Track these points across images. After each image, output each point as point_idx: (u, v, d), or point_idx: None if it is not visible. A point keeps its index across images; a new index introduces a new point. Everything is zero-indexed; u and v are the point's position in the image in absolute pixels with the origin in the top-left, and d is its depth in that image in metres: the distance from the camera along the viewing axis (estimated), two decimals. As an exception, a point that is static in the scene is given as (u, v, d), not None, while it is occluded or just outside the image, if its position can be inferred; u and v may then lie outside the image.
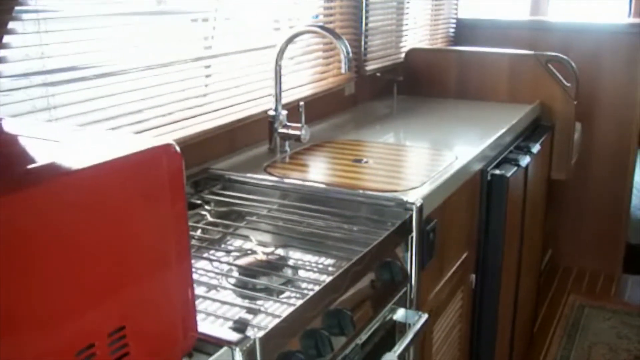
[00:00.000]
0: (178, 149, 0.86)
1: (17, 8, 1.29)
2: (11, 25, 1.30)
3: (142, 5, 1.67)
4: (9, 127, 0.99)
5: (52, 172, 0.74)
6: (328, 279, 1.21)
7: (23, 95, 1.36)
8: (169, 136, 1.69)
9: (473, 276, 2.11)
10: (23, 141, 0.89)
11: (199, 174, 1.74)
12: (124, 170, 0.80)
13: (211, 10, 1.85)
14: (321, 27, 1.97)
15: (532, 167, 2.37)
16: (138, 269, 0.82)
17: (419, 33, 3.23)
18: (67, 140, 0.87)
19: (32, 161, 0.79)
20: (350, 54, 1.82)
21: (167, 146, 0.85)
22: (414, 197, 1.55)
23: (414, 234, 1.53)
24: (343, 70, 1.83)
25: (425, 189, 1.63)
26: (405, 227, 1.52)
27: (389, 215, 1.54)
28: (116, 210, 0.78)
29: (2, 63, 1.30)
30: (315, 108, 2.30)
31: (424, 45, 3.29)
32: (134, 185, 0.81)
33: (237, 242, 1.49)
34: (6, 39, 1.30)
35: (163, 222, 0.86)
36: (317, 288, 1.16)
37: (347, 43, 1.82)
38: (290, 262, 1.38)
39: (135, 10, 1.63)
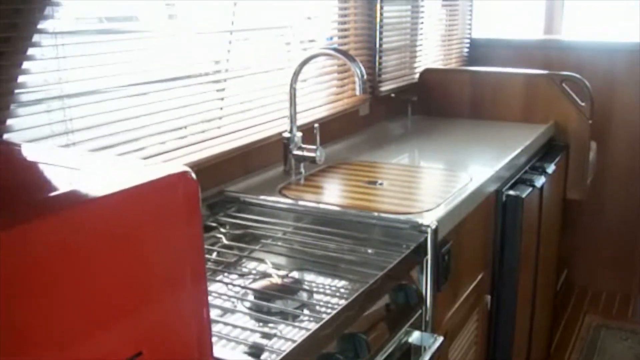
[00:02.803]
0: (194, 175, 0.87)
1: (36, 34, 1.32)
2: (30, 51, 1.32)
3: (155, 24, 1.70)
4: (28, 153, 1.01)
5: (72, 200, 0.75)
6: (343, 302, 1.21)
7: (42, 120, 1.38)
8: (185, 159, 1.71)
9: (488, 297, 2.10)
10: (42, 168, 0.91)
11: (215, 196, 1.75)
12: (141, 198, 0.81)
13: (226, 29, 1.87)
14: (335, 49, 1.99)
15: (547, 188, 2.37)
16: (155, 295, 0.83)
17: (432, 53, 3.24)
18: (86, 167, 0.89)
19: (52, 189, 0.80)
20: (365, 76, 1.83)
21: (184, 173, 0.86)
22: (429, 220, 1.55)
23: (429, 256, 1.53)
24: (358, 93, 1.84)
25: (440, 211, 1.63)
26: (420, 250, 1.52)
27: (404, 238, 1.54)
28: (133, 236, 0.79)
29: (21, 88, 1.32)
30: (330, 128, 2.31)
31: (438, 65, 3.30)
32: (151, 211, 0.82)
33: (252, 265, 1.49)
34: (26, 64, 1.32)
35: (180, 247, 0.87)
36: (332, 312, 1.16)
37: (361, 65, 1.83)
38: (305, 286, 1.39)
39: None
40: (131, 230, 0.79)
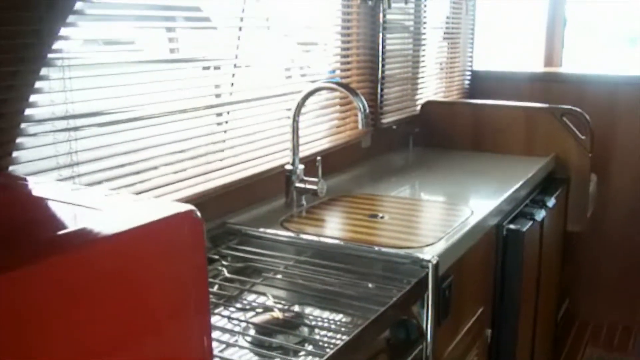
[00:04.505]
0: (199, 213, 0.89)
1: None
2: (38, 84, 1.34)
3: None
4: (32, 188, 1.02)
5: (79, 240, 0.77)
6: (344, 338, 1.21)
7: (47, 152, 1.40)
8: (188, 191, 1.72)
9: (489, 331, 2.10)
10: (47, 204, 0.92)
11: (217, 228, 1.76)
12: (147, 236, 0.83)
13: (228, 59, 1.89)
14: (338, 83, 2.01)
15: (548, 221, 2.38)
16: (158, 329, 0.84)
17: (434, 85, 3.27)
18: (91, 205, 0.90)
19: (58, 227, 0.81)
20: (367, 110, 1.85)
21: (189, 212, 0.88)
22: (430, 255, 1.56)
23: (429, 291, 1.54)
24: (360, 127, 1.85)
25: (441, 246, 1.64)
26: (421, 285, 1.52)
27: (405, 273, 1.54)
28: (139, 273, 0.81)
29: (28, 121, 1.34)
30: (332, 160, 2.32)
31: (439, 97, 3.32)
32: (157, 249, 0.84)
33: (254, 299, 1.50)
34: (33, 97, 1.34)
35: (184, 283, 0.88)
36: (332, 349, 1.16)
37: (363, 99, 1.85)
38: (306, 320, 1.39)
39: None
40: (137, 267, 0.81)
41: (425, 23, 3.00)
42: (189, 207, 0.88)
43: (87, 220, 0.83)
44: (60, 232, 0.79)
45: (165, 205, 0.89)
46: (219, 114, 1.88)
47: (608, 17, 4.41)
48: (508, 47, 4.51)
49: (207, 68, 1.88)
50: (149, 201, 0.97)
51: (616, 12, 4.28)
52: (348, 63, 2.48)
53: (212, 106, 1.84)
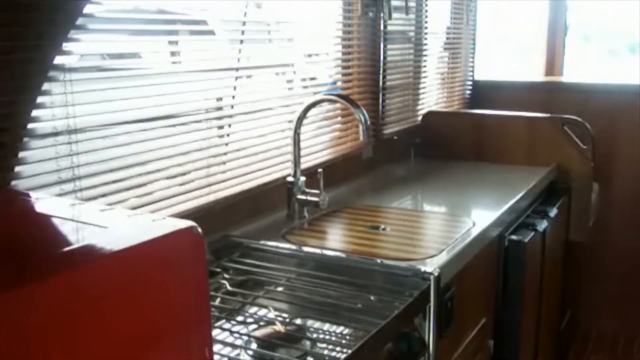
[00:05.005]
0: (200, 230, 0.89)
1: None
2: (40, 99, 1.35)
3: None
4: (38, 206, 1.03)
5: (84, 256, 0.78)
6: (346, 351, 1.21)
7: (50, 167, 1.40)
8: (189, 204, 1.73)
9: (491, 342, 2.10)
10: (52, 222, 0.92)
11: (219, 240, 1.76)
12: (150, 253, 0.83)
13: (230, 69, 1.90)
14: (339, 95, 2.01)
15: (550, 231, 2.37)
16: (160, 343, 0.85)
17: (435, 95, 3.27)
18: (94, 222, 0.90)
19: (63, 244, 0.82)
20: (368, 122, 1.86)
21: (190, 228, 0.88)
22: (432, 267, 1.56)
23: (431, 303, 1.54)
24: (362, 139, 1.86)
25: (443, 257, 1.64)
26: (423, 297, 1.52)
27: (407, 285, 1.54)
28: (140, 288, 0.82)
29: (31, 136, 1.34)
30: (334, 172, 2.32)
31: (441, 107, 3.33)
32: (158, 266, 0.84)
33: (256, 312, 1.50)
34: (35, 112, 1.34)
35: (186, 298, 0.88)
36: (335, 363, 1.17)
37: (364, 112, 1.85)
38: (308, 334, 1.39)
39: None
40: (139, 283, 0.81)
41: (426, 33, 3.01)
42: (189, 223, 0.88)
43: (91, 238, 0.83)
44: (65, 250, 0.79)
45: (166, 222, 0.90)
46: (221, 127, 1.89)
47: (608, 24, 4.43)
48: (509, 56, 4.52)
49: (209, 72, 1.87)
50: (150, 217, 0.97)
51: (616, 18, 4.29)
52: (349, 74, 2.49)
53: (215, 118, 1.84)
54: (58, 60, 1.36)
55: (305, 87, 2.30)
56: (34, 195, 1.13)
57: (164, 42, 1.78)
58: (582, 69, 4.26)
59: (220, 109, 1.89)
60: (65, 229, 0.90)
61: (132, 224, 0.91)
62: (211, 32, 1.92)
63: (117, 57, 1.71)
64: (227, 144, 1.90)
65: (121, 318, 0.78)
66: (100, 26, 1.50)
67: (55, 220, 0.92)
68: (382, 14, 2.56)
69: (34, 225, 0.93)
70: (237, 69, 1.93)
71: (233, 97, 1.92)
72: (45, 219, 0.94)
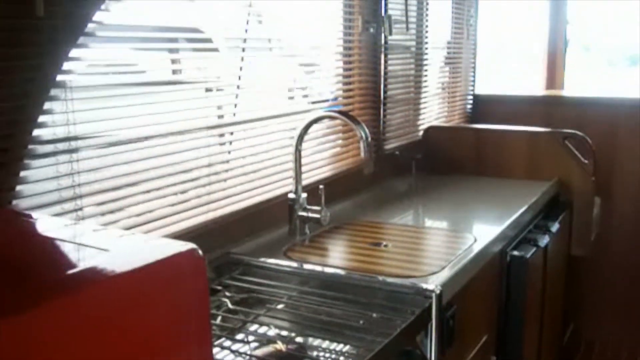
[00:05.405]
0: (200, 252, 0.89)
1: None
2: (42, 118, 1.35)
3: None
4: (39, 227, 1.03)
5: (87, 279, 0.78)
6: (348, 372, 1.21)
7: (50, 186, 1.40)
8: (190, 221, 1.72)
9: (494, 358, 2.09)
10: (54, 244, 0.92)
11: (220, 258, 1.76)
12: (151, 276, 0.83)
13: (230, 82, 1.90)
14: (340, 112, 2.02)
15: (552, 246, 2.37)
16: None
17: (436, 110, 3.28)
18: (96, 244, 0.90)
19: (65, 267, 0.82)
20: (369, 139, 1.85)
21: (191, 251, 0.88)
22: (434, 284, 1.55)
23: (433, 321, 1.53)
24: (362, 155, 1.86)
25: (445, 274, 1.63)
26: (425, 315, 1.52)
27: (408, 303, 1.54)
28: (142, 310, 0.82)
29: (31, 155, 1.35)
30: (335, 187, 2.32)
31: (442, 121, 3.33)
32: (159, 287, 0.84)
33: (257, 330, 1.49)
34: (36, 132, 1.35)
35: (185, 319, 0.88)
36: (337, 383, 1.16)
37: (365, 128, 1.85)
38: (310, 352, 1.39)
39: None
40: (140, 305, 0.81)
41: (427, 48, 3.02)
42: (190, 245, 0.88)
43: (93, 260, 0.84)
44: (69, 272, 0.79)
45: (167, 244, 0.90)
46: (222, 144, 1.89)
47: (608, 35, 4.44)
48: (509, 70, 4.53)
49: (210, 90, 1.88)
50: (151, 240, 0.98)
51: (616, 30, 4.31)
52: (350, 90, 2.49)
53: (216, 132, 1.84)
54: (59, 77, 1.36)
55: (309, 102, 2.30)
56: (35, 215, 1.13)
57: (164, 52, 1.79)
58: (581, 79, 4.27)
59: (221, 124, 1.89)
60: (68, 251, 0.90)
61: (133, 246, 0.91)
62: (209, 40, 1.92)
63: (119, 72, 1.71)
64: (228, 161, 1.90)
65: (123, 339, 0.78)
66: (102, 44, 1.50)
67: (57, 243, 0.92)
68: (382, 30, 2.56)
69: (36, 247, 0.93)
70: (237, 86, 1.94)
71: (234, 114, 1.92)
72: (47, 241, 0.94)
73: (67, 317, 0.71)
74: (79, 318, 0.73)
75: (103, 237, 0.97)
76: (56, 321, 0.70)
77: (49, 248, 0.92)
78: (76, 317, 0.73)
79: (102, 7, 1.44)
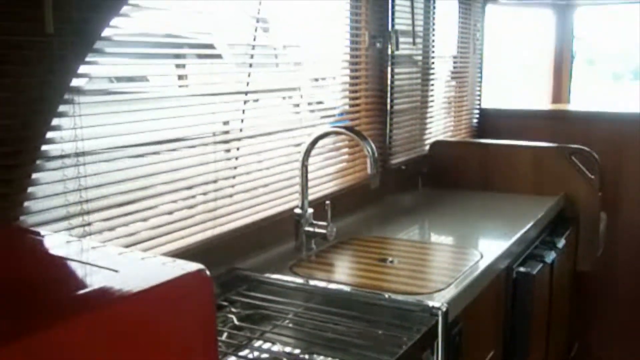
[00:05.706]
0: (208, 272, 0.89)
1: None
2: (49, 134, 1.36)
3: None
4: (48, 245, 1.03)
5: (97, 300, 0.79)
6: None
7: (58, 202, 1.41)
8: (196, 237, 1.73)
9: (500, 375, 2.09)
10: (64, 264, 0.93)
11: (226, 274, 1.76)
12: (159, 296, 0.84)
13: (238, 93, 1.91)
14: (346, 127, 2.02)
15: (558, 262, 2.36)
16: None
17: (442, 124, 3.28)
18: (106, 264, 0.90)
19: (77, 287, 0.83)
20: (376, 154, 1.86)
21: (198, 271, 0.88)
22: (440, 302, 1.55)
23: (439, 339, 1.53)
24: (369, 171, 1.86)
25: (451, 292, 1.63)
26: (431, 333, 1.51)
27: (414, 320, 1.54)
28: (149, 329, 0.82)
29: (40, 170, 1.35)
30: (341, 202, 2.32)
31: (448, 135, 3.33)
32: (167, 307, 0.85)
33: (263, 347, 1.49)
34: (44, 147, 1.35)
35: (192, 337, 0.89)
36: (343, 402, 1.16)
37: (372, 144, 1.86)
38: (316, 370, 1.39)
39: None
40: (148, 324, 0.82)
41: (433, 63, 3.02)
42: (198, 266, 0.88)
43: (103, 281, 0.84)
44: (79, 292, 0.80)
45: (175, 264, 0.90)
46: (229, 159, 1.90)
47: (613, 48, 4.44)
48: (516, 85, 4.54)
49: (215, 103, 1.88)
50: (159, 260, 0.98)
51: (621, 43, 4.31)
52: (357, 105, 2.50)
53: (222, 142, 1.85)
54: (68, 94, 1.37)
55: (312, 110, 2.31)
56: (43, 232, 1.13)
57: (171, 65, 1.80)
58: (586, 92, 4.27)
59: (227, 132, 1.90)
60: (77, 271, 0.91)
61: (141, 267, 0.92)
62: (219, 56, 1.93)
63: (126, 87, 1.72)
64: (234, 177, 1.90)
65: (130, 358, 0.79)
66: (109, 59, 1.51)
67: (66, 262, 0.93)
68: (389, 45, 2.57)
69: (45, 266, 0.93)
70: (245, 93, 1.94)
71: (241, 129, 1.93)
72: (55, 260, 0.95)
73: (78, 337, 0.72)
74: (90, 338, 0.73)
75: (111, 256, 0.97)
76: (68, 342, 0.71)
77: (57, 267, 0.92)
78: (87, 337, 0.73)
79: (111, 23, 1.45)
